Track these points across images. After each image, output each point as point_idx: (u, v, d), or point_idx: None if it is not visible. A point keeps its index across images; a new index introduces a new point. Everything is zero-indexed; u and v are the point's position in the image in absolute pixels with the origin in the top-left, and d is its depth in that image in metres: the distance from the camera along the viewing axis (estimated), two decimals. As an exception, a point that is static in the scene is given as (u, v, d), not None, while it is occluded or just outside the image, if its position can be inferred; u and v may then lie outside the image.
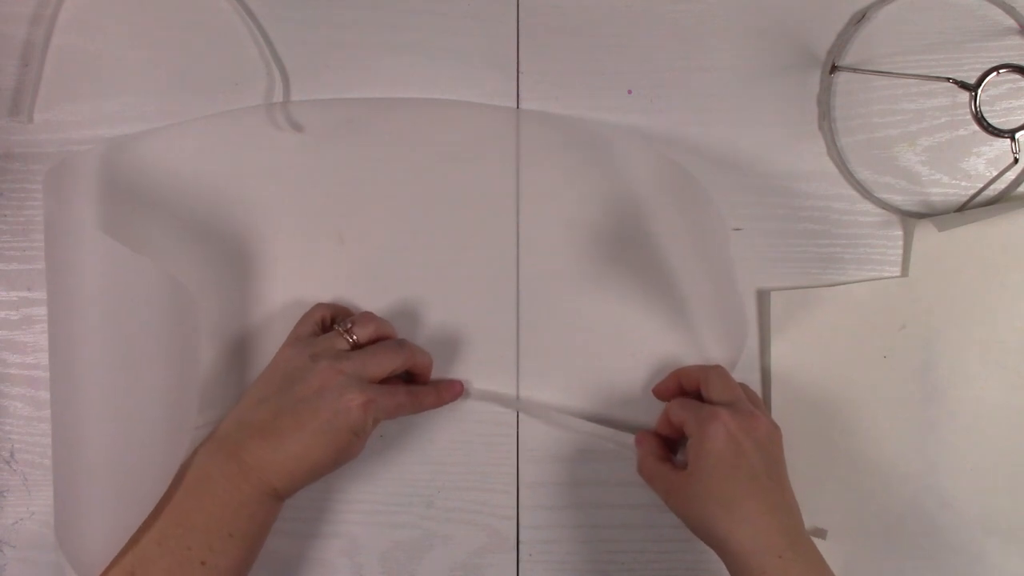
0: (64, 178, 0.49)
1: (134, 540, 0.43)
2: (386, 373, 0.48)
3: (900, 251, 0.55)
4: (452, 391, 0.53)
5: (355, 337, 0.49)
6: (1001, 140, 0.50)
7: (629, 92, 0.54)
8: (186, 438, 0.46)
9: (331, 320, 0.51)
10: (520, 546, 0.54)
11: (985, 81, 0.48)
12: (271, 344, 0.52)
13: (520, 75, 0.54)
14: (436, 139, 0.54)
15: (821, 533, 0.53)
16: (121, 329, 0.44)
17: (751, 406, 0.48)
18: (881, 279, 0.55)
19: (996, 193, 0.55)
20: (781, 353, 0.54)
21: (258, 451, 0.45)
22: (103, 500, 0.44)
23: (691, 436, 0.48)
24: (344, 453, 0.47)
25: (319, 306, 0.52)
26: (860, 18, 0.54)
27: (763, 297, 0.54)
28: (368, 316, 0.51)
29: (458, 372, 0.54)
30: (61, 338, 0.45)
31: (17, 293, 0.53)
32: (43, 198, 0.47)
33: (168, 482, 0.44)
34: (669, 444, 0.52)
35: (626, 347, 0.54)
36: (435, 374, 0.53)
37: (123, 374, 0.44)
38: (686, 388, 0.52)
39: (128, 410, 0.44)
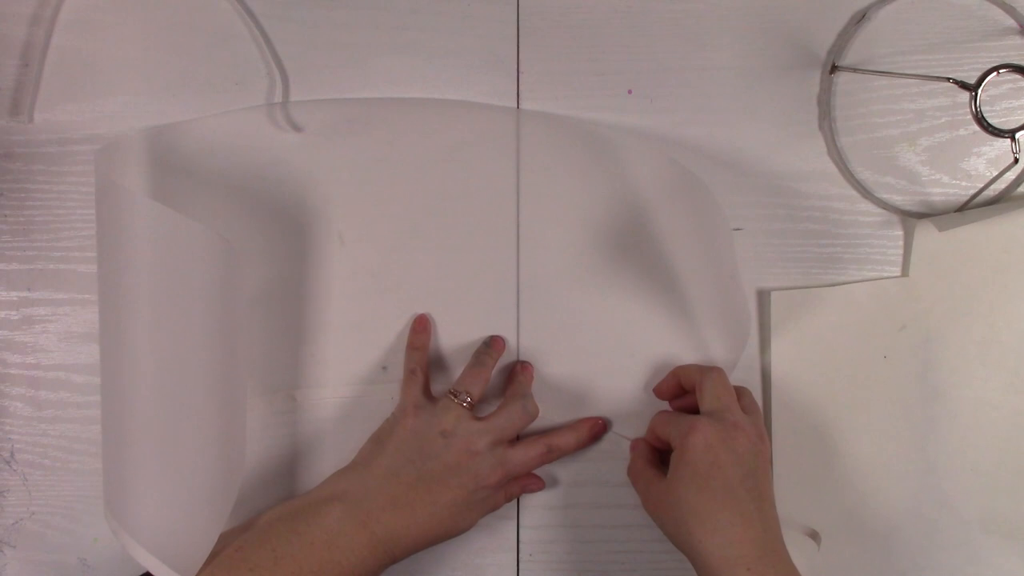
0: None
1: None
2: (516, 435, 0.51)
3: (900, 251, 0.55)
4: (593, 434, 0.54)
5: (471, 399, 0.50)
6: (1001, 140, 0.50)
7: (629, 92, 0.54)
8: (240, 410, 0.47)
9: (425, 369, 0.52)
10: (520, 546, 0.54)
11: (985, 81, 0.48)
12: (271, 342, 0.52)
13: (520, 75, 0.54)
14: (436, 139, 0.54)
15: (816, 537, 0.53)
16: (169, 307, 0.44)
17: (738, 416, 0.48)
18: (881, 279, 0.55)
19: (996, 193, 0.55)
20: (781, 353, 0.54)
21: (391, 524, 0.47)
22: (153, 469, 0.44)
23: (674, 448, 0.48)
24: (469, 526, 0.50)
25: (409, 360, 0.52)
26: (860, 18, 0.54)
27: (763, 297, 0.54)
28: (474, 374, 0.51)
29: (458, 372, 0.54)
30: (111, 313, 0.45)
31: (17, 293, 0.53)
32: (95, 176, 0.47)
33: (219, 449, 0.45)
34: (662, 452, 0.52)
35: (626, 347, 0.54)
36: (434, 374, 0.54)
37: (171, 346, 0.44)
38: (685, 387, 0.52)
39: (176, 382, 0.44)
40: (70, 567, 0.53)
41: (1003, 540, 0.54)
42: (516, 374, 0.53)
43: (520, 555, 0.54)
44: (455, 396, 0.50)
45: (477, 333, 0.54)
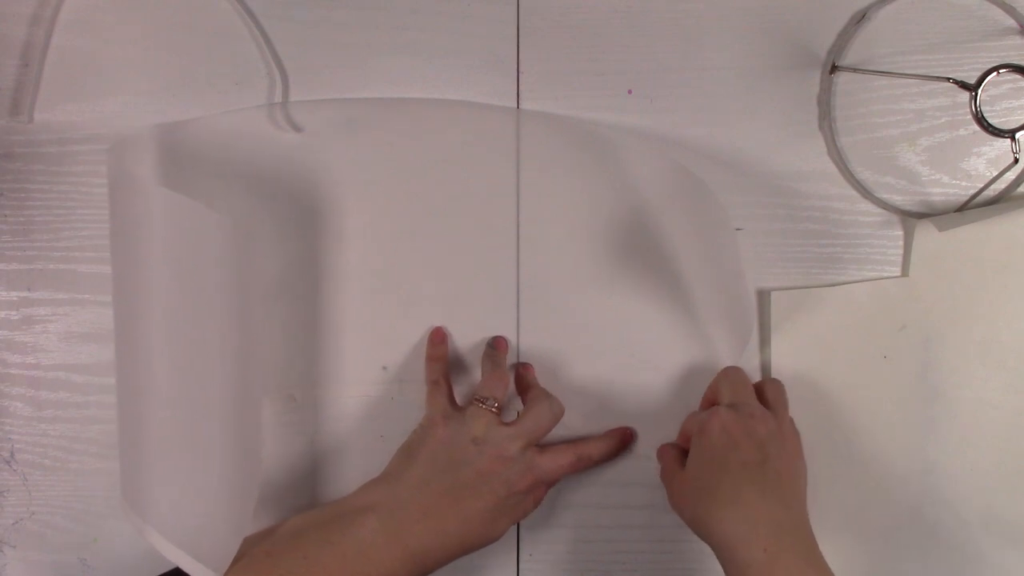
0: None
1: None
2: (544, 436, 0.50)
3: (900, 251, 0.55)
4: (622, 444, 0.54)
5: (497, 404, 0.50)
6: (1001, 140, 0.50)
7: (629, 92, 0.54)
8: (255, 404, 0.47)
9: (447, 379, 0.52)
10: (520, 546, 0.54)
11: (985, 81, 0.48)
12: (268, 342, 0.52)
13: (520, 75, 0.54)
14: (436, 139, 0.54)
15: None
16: (185, 299, 0.44)
17: (755, 408, 0.48)
18: (881, 279, 0.55)
19: (996, 193, 0.55)
20: (781, 353, 0.54)
21: (423, 536, 0.46)
22: (174, 464, 0.44)
23: (693, 436, 0.48)
24: (500, 534, 0.49)
25: (431, 371, 0.52)
26: (860, 18, 0.54)
27: (763, 297, 0.54)
28: (495, 377, 0.51)
29: (458, 373, 0.54)
30: (126, 307, 0.45)
31: (17, 293, 0.53)
32: (108, 171, 0.47)
33: (238, 444, 0.45)
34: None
35: (626, 347, 0.54)
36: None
37: (188, 339, 0.44)
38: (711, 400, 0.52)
39: (194, 375, 0.44)
40: (70, 567, 0.53)
41: (1003, 540, 0.54)
42: (522, 376, 0.53)
43: (520, 555, 0.54)
44: (482, 403, 0.49)
45: (478, 333, 0.54)
